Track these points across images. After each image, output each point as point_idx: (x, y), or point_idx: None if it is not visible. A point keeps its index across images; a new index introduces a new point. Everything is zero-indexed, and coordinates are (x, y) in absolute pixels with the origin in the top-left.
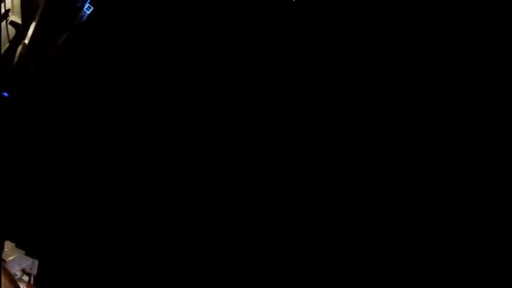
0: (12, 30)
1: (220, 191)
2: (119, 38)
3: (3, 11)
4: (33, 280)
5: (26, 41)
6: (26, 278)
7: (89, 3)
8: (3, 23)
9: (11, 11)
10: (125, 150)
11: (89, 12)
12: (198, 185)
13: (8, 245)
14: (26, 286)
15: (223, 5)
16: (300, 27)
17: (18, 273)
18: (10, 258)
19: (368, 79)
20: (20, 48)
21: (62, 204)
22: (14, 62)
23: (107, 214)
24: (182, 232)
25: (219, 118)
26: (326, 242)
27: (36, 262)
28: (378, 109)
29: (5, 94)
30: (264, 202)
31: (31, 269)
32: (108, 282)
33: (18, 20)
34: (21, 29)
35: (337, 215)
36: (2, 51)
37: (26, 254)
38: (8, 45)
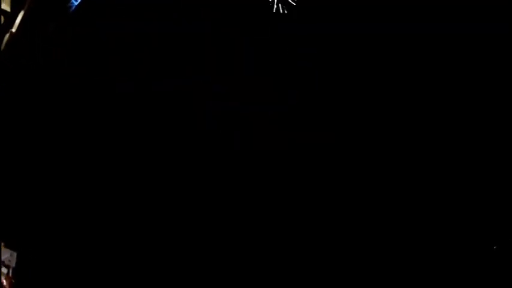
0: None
1: (220, 191)
2: (118, 37)
3: None
4: (12, 272)
5: (13, 30)
6: (5, 270)
7: None
8: None
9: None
10: (123, 150)
11: (76, 3)
12: (198, 185)
13: None
14: (5, 279)
15: (224, 4)
16: (300, 27)
17: None
18: None
19: (368, 79)
20: (7, 36)
21: (42, 196)
22: (0, 51)
23: (91, 210)
24: (181, 232)
25: (219, 118)
26: (326, 243)
27: (15, 254)
28: (378, 109)
29: None
30: (264, 202)
31: (9, 261)
32: (89, 275)
33: (7, 8)
34: (9, 18)
35: (338, 215)
36: None
37: (6, 246)
38: None
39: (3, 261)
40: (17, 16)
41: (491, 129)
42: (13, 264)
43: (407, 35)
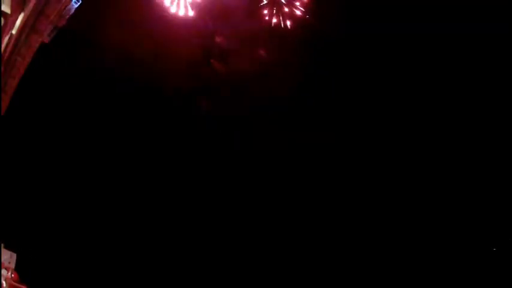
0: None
1: (221, 190)
2: (119, 37)
3: None
4: (12, 274)
5: (14, 32)
6: (5, 272)
7: None
8: None
9: (2, 1)
10: (123, 149)
11: (76, 5)
12: (198, 184)
13: None
14: (6, 280)
15: (224, 6)
16: (297, 28)
17: None
18: None
19: (367, 80)
20: (7, 38)
21: (42, 200)
22: (1, 53)
23: (87, 212)
24: (181, 229)
25: (219, 118)
26: (326, 240)
27: (15, 256)
28: (377, 109)
29: None
30: (264, 201)
31: (9, 262)
32: (92, 276)
33: (8, 10)
34: (9, 20)
35: (337, 213)
36: None
37: (6, 247)
38: None
39: (3, 263)
40: (17, 18)
41: (491, 127)
42: (13, 265)
43: (404, 35)
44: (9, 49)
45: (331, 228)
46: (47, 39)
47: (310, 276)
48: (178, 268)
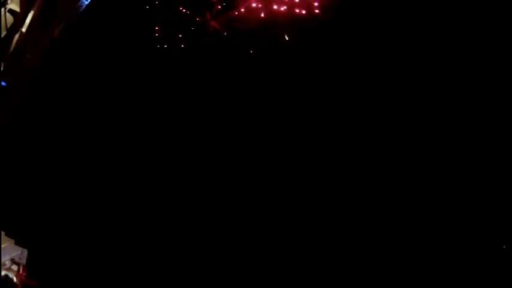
0: (10, 19)
1: (221, 190)
2: (121, 35)
3: None
4: (23, 270)
5: (24, 30)
6: (15, 267)
7: None
8: (2, 11)
9: None
10: (123, 148)
11: (87, 2)
12: (198, 184)
13: None
14: (16, 276)
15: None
16: (296, 28)
17: (8, 263)
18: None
19: (367, 80)
20: (17, 36)
21: (53, 196)
22: (11, 50)
23: (98, 208)
24: (180, 228)
25: (218, 117)
26: (326, 240)
27: (26, 252)
28: (377, 109)
29: (3, 83)
30: (264, 201)
31: (20, 258)
32: (98, 274)
33: (17, 9)
34: (19, 18)
35: (337, 213)
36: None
37: (16, 244)
38: (5, 33)
39: (14, 258)
40: (26, 16)
41: (491, 127)
42: (24, 261)
43: (404, 35)
44: (19, 47)
45: (332, 227)
46: (57, 36)
47: (310, 276)
48: (181, 267)
